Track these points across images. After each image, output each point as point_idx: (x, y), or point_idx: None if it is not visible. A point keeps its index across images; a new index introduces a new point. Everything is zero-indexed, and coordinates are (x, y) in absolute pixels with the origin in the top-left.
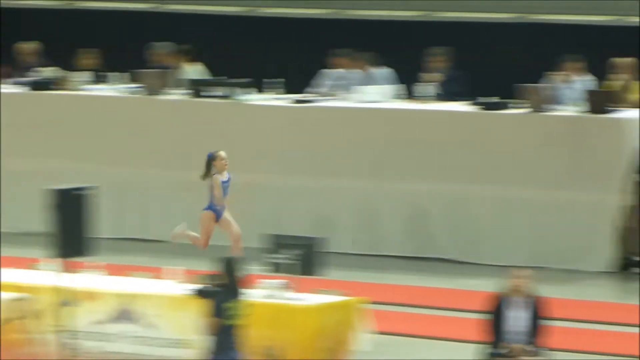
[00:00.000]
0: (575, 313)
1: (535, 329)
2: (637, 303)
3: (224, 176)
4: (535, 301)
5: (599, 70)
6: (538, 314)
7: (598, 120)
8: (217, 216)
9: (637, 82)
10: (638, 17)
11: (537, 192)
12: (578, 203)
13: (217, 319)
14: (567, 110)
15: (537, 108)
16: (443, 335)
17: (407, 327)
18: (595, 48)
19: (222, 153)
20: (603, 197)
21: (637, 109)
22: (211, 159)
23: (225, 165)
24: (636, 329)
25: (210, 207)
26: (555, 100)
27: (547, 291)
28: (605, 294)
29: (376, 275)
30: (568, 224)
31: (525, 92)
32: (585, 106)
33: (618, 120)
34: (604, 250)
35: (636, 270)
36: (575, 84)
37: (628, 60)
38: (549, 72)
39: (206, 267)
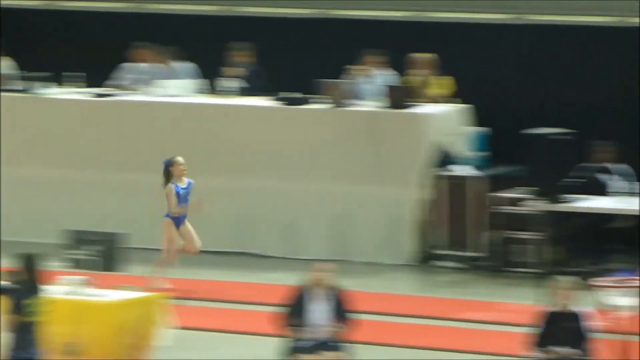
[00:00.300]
0: (377, 306)
1: (337, 322)
2: (436, 295)
3: (183, 182)
4: (337, 294)
5: (398, 65)
6: (340, 306)
7: (397, 115)
8: (177, 224)
9: (436, 78)
10: (437, 13)
11: (338, 187)
12: (379, 197)
13: (16, 315)
14: (367, 105)
15: (338, 103)
16: (246, 330)
17: (210, 321)
18: (394, 43)
19: (180, 159)
20: (403, 191)
21: (436, 104)
22: (168, 165)
23: (184, 171)
24: (436, 321)
25: (169, 215)
26: (355, 95)
27: (350, 284)
28: (406, 286)
29: (181, 270)
30: (369, 218)
31: (326, 87)
32: (385, 101)
33: (417, 115)
34: (405, 243)
35: (435, 263)
36: (375, 79)
37: (426, 55)
38: (349, 68)
39: (5, 263)
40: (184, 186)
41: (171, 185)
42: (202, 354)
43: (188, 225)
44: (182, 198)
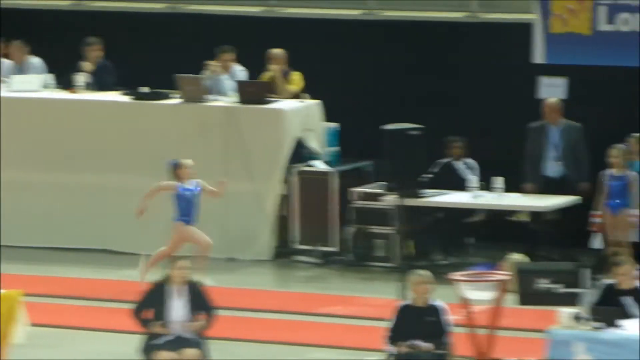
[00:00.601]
0: (236, 301)
1: (196, 318)
2: (295, 290)
3: (190, 185)
4: (195, 290)
5: (252, 61)
6: (199, 302)
7: (254, 111)
8: (187, 227)
9: (292, 73)
10: (289, 9)
11: None
12: (237, 193)
13: None
14: (224, 101)
15: (194, 98)
16: (103, 327)
17: (66, 319)
18: (248, 39)
19: (187, 161)
20: (261, 187)
21: (290, 100)
22: (175, 167)
23: (190, 173)
24: (295, 316)
25: (180, 218)
26: (211, 90)
27: (209, 280)
28: (265, 282)
29: (35, 267)
30: (228, 214)
31: (182, 82)
32: (242, 97)
33: (273, 110)
34: (264, 238)
35: (294, 258)
36: (231, 74)
37: (279, 51)
38: (206, 63)
39: None
40: (190, 187)
41: (186, 185)
42: (57, 352)
43: (194, 228)
44: (186, 199)
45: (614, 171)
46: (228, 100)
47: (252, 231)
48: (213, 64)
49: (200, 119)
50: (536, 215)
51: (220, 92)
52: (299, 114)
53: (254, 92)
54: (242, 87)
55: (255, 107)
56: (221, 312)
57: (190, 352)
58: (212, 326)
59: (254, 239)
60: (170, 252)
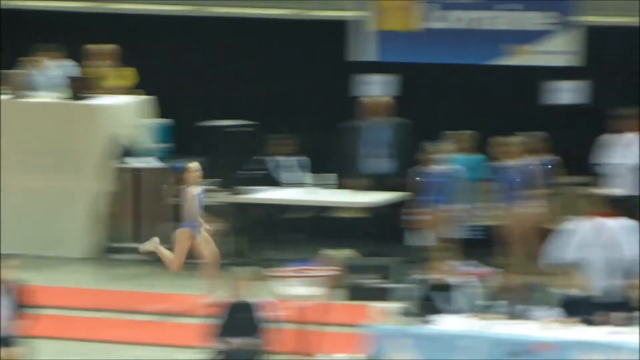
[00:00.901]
0: (56, 300)
1: (16, 318)
2: (116, 288)
3: (197, 189)
4: (16, 289)
5: (77, 56)
6: (19, 301)
7: (75, 107)
8: (194, 234)
9: (117, 69)
10: (117, 4)
11: (13, 178)
12: (54, 189)
13: None
14: (45, 97)
15: (15, 94)
16: None
17: None
18: (74, 34)
19: (194, 165)
20: (79, 184)
21: (116, 96)
22: (181, 172)
23: (198, 177)
24: (116, 314)
25: (187, 224)
26: (32, 86)
27: (29, 278)
28: (86, 280)
29: None
30: (44, 210)
31: (3, 78)
32: (64, 92)
33: (94, 106)
34: (81, 236)
35: (115, 255)
36: (51, 70)
37: (106, 46)
38: (25, 59)
39: None
40: (198, 192)
41: (192, 190)
42: None
43: (205, 234)
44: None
45: (433, 167)
46: (48, 95)
47: (68, 228)
48: (32, 60)
49: (21, 114)
50: (363, 210)
51: (40, 88)
52: (121, 110)
53: (79, 88)
54: (69, 82)
55: (74, 103)
56: (43, 311)
57: (12, 351)
58: (33, 325)
59: (70, 236)
60: (179, 261)
